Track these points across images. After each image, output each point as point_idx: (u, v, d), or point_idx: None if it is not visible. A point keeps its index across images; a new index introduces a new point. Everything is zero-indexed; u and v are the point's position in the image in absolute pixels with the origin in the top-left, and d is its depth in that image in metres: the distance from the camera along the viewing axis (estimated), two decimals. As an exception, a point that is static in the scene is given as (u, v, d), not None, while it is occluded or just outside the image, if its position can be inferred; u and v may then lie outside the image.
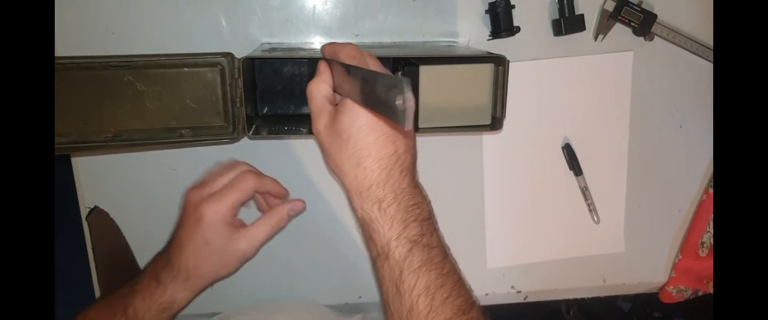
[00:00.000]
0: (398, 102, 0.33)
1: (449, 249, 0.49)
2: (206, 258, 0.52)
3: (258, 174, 0.57)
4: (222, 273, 0.54)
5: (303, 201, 0.59)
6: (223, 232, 0.52)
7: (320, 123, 0.48)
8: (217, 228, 0.52)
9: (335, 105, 0.49)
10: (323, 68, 0.49)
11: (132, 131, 0.54)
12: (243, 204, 0.56)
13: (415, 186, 0.48)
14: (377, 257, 0.47)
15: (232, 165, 0.57)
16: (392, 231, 0.46)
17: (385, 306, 0.48)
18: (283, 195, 0.60)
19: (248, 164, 0.59)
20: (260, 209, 0.61)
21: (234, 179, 0.54)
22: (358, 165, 0.46)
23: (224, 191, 0.53)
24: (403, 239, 0.46)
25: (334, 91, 0.50)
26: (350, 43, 0.48)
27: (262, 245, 0.56)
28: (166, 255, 0.54)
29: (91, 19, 0.60)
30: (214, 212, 0.52)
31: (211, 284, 0.55)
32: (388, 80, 0.37)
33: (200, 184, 0.55)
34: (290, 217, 0.58)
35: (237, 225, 0.54)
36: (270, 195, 0.60)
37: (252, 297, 0.71)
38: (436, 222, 0.49)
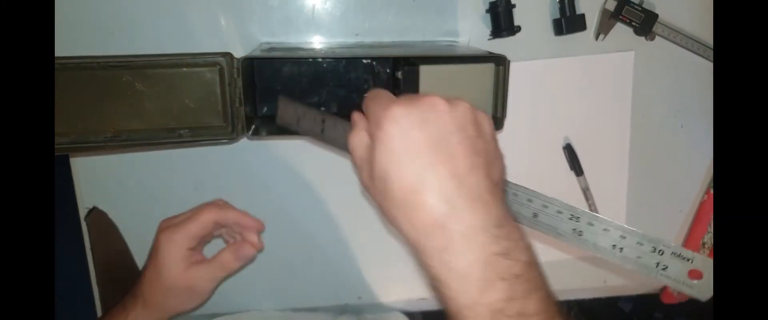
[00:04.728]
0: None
1: (561, 315, 0.36)
2: (158, 288, 0.52)
3: (222, 206, 0.54)
4: (173, 305, 0.53)
5: (254, 246, 0.54)
6: (175, 264, 0.51)
7: (363, 175, 0.38)
8: (169, 258, 0.51)
9: None
10: (358, 118, 0.40)
11: (131, 131, 0.54)
12: (204, 238, 0.55)
13: (502, 224, 0.34)
14: None
15: (210, 202, 0.55)
16: (465, 296, 0.33)
17: None
18: (254, 228, 0.55)
19: (223, 201, 0.56)
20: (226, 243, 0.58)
21: (192, 210, 0.54)
22: (406, 205, 0.34)
23: (181, 221, 0.53)
24: (480, 307, 0.33)
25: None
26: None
27: (216, 284, 0.54)
28: (137, 279, 0.54)
29: (91, 19, 0.60)
30: (168, 240, 0.51)
31: (169, 317, 0.54)
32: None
33: (172, 217, 0.54)
34: (240, 261, 0.54)
35: (195, 260, 0.53)
36: (243, 229, 0.55)
37: (250, 298, 0.71)
38: (540, 274, 0.36)
